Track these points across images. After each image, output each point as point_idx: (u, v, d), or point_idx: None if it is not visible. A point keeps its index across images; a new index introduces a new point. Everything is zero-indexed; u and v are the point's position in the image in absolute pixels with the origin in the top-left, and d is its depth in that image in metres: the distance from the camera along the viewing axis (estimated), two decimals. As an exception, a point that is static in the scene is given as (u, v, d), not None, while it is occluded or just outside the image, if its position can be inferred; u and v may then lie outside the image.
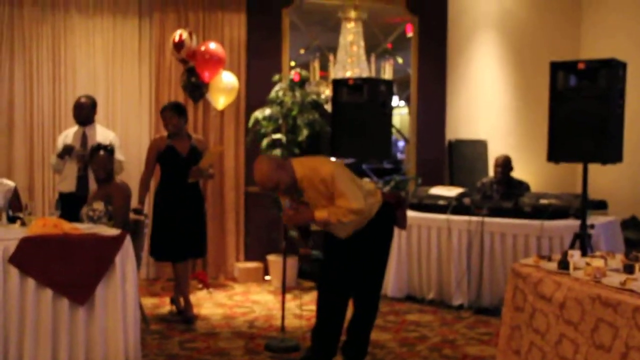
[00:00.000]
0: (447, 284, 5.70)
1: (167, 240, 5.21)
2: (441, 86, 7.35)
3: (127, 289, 4.05)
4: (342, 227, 3.79)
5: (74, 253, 4.00)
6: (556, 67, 4.56)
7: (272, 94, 6.55)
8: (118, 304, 4.01)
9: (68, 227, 4.18)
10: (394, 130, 6.33)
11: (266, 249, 6.69)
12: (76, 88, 6.57)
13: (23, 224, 4.45)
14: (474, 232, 5.52)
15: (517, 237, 5.38)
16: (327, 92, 7.05)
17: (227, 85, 6.38)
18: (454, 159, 7.35)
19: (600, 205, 5.53)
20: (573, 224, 5.04)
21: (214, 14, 6.81)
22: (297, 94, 6.53)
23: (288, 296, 5.80)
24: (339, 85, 5.51)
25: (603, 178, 6.43)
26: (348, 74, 6.91)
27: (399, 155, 10.51)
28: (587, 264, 2.84)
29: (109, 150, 4.94)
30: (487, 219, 5.49)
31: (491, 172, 6.68)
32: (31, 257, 3.90)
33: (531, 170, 7.19)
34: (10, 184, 5.15)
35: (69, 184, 5.55)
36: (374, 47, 7.44)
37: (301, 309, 5.13)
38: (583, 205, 4.70)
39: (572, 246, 4.57)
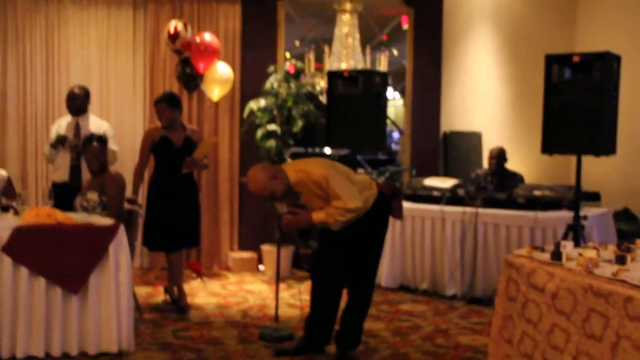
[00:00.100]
0: (440, 274, 5.73)
1: (161, 230, 5.21)
2: (436, 78, 7.34)
3: (120, 278, 4.07)
4: (338, 223, 3.80)
5: (68, 242, 4.00)
6: (551, 60, 4.57)
7: (267, 85, 6.54)
8: (111, 293, 4.03)
9: (61, 216, 4.18)
10: (388, 122, 6.33)
11: (260, 239, 6.70)
12: (70, 78, 6.55)
13: (16, 213, 4.45)
14: (467, 223, 5.54)
15: (511, 228, 5.40)
16: (322, 83, 7.04)
17: (222, 76, 6.37)
18: (449, 150, 7.37)
19: (593, 197, 5.56)
20: (566, 215, 5.07)
21: (208, 5, 6.79)
22: (292, 85, 6.53)
23: (282, 286, 5.82)
24: (334, 76, 5.51)
25: (596, 170, 6.45)
26: (343, 66, 6.90)
27: (394, 147, 10.53)
28: (580, 254, 2.85)
29: (102, 140, 4.92)
30: (481, 210, 5.51)
31: (485, 164, 6.70)
32: (24, 247, 3.91)
33: (525, 162, 7.21)
34: (3, 173, 5.15)
35: (61, 174, 5.54)
36: (369, 39, 7.43)
37: (300, 299, 5.12)
38: (576, 197, 4.73)
39: (565, 237, 4.59)
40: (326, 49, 7.13)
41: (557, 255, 2.91)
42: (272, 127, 6.47)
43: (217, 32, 6.62)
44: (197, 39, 6.21)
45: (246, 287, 6.07)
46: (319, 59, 7.26)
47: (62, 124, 5.70)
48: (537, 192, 5.46)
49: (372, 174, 6.94)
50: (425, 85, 7.32)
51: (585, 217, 4.83)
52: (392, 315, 5.17)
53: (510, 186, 5.84)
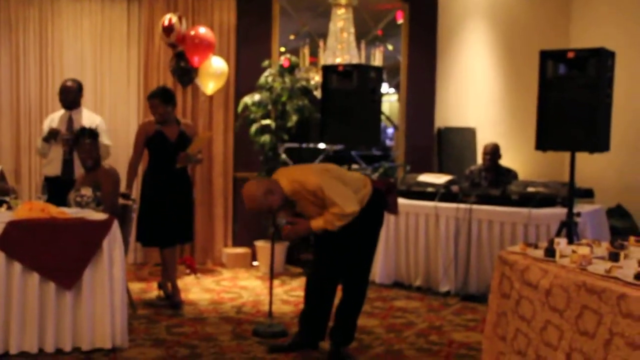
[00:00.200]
0: (434, 271, 5.73)
1: (155, 225, 5.19)
2: (431, 73, 7.35)
3: (114, 273, 4.06)
4: (337, 227, 3.80)
5: (61, 237, 3.99)
6: (546, 56, 4.57)
7: (262, 79, 6.52)
8: (105, 289, 4.02)
9: (55, 211, 4.17)
10: (383, 117, 6.33)
11: (254, 235, 6.69)
12: (63, 72, 6.52)
13: (9, 207, 4.43)
14: (461, 220, 5.55)
15: (505, 225, 5.41)
16: (316, 78, 7.03)
17: (217, 71, 6.35)
18: (443, 146, 7.37)
19: (587, 194, 5.58)
20: (560, 212, 5.08)
21: (203, -1, 6.77)
22: (287, 79, 6.51)
23: (276, 282, 5.82)
24: (328, 71, 5.50)
25: (590, 167, 6.47)
26: (338, 61, 6.89)
27: (388, 142, 10.54)
28: (573, 251, 2.85)
29: (94, 135, 4.86)
30: (475, 207, 5.51)
31: (480, 160, 6.71)
32: (18, 241, 3.89)
33: (519, 158, 7.22)
34: (-3, 167, 5.13)
35: (54, 168, 5.51)
36: (364, 34, 7.43)
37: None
38: (570, 194, 4.73)
39: (558, 234, 4.60)
40: (321, 43, 7.12)
41: (550, 252, 2.92)
42: (266, 121, 6.46)
43: (211, 26, 6.59)
44: (192, 33, 6.19)
45: (240, 283, 6.06)
46: (314, 54, 7.25)
47: (55, 118, 5.67)
48: (531, 189, 5.47)
49: (367, 170, 6.95)
50: (420, 80, 7.32)
51: (578, 214, 4.84)
52: (386, 311, 5.17)
53: (504, 182, 5.84)
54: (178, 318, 4.88)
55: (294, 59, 6.65)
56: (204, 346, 4.24)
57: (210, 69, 6.31)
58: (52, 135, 5.46)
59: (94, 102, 6.61)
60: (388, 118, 8.70)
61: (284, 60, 6.58)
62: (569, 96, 4.45)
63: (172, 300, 5.20)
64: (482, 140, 7.09)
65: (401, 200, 5.72)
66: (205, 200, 6.76)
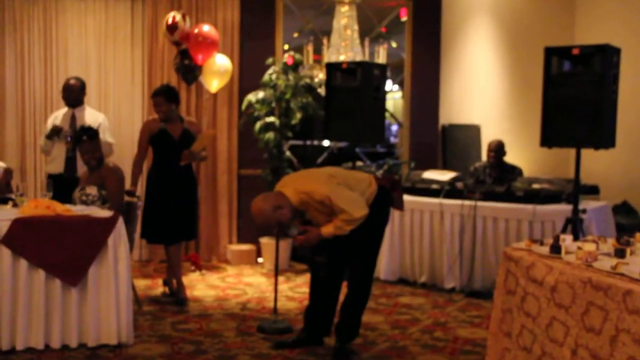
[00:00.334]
0: (439, 268, 5.73)
1: (160, 223, 5.20)
2: (435, 70, 7.33)
3: (119, 270, 4.07)
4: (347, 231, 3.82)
5: (67, 234, 4.00)
6: (550, 52, 4.55)
7: (266, 77, 6.52)
8: (111, 286, 4.03)
9: (61, 208, 4.18)
10: (387, 114, 6.32)
11: (259, 232, 6.69)
12: (68, 70, 6.53)
13: (15, 205, 4.44)
14: (466, 216, 5.54)
15: (510, 222, 5.40)
16: (320, 75, 7.03)
17: (221, 68, 6.35)
18: (447, 143, 7.36)
19: (592, 190, 5.56)
20: (565, 208, 5.07)
21: (207, -3, 6.77)
22: (291, 77, 6.51)
23: (281, 278, 5.83)
24: (332, 68, 5.50)
25: (595, 163, 6.45)
26: (342, 58, 6.88)
27: (392, 139, 10.54)
28: (579, 248, 2.85)
29: (93, 134, 4.82)
30: (480, 203, 5.50)
31: (484, 157, 6.70)
32: (23, 238, 3.90)
33: (524, 155, 7.21)
34: (1, 164, 5.14)
35: (57, 165, 5.53)
36: (368, 31, 7.42)
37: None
38: (575, 190, 4.72)
39: (564, 230, 4.59)
40: (324, 40, 7.11)
41: (556, 249, 2.91)
42: (270, 119, 6.46)
43: (215, 24, 6.59)
44: (196, 31, 6.19)
45: (245, 280, 6.07)
46: (318, 51, 7.24)
47: (58, 115, 5.69)
48: (536, 185, 5.46)
49: (371, 167, 6.94)
50: (424, 77, 7.31)
51: (584, 211, 4.83)
52: (391, 308, 5.17)
53: (509, 179, 5.83)
54: (183, 314, 4.89)
55: (297, 56, 6.64)
56: (209, 342, 4.25)
57: (214, 67, 6.32)
58: (55, 133, 5.47)
59: (98, 101, 6.63)
60: (392, 115, 8.70)
61: (287, 58, 6.58)
62: (574, 93, 4.43)
63: (177, 297, 5.21)
64: (487, 137, 7.08)
65: (406, 197, 5.71)
66: (209, 197, 6.77)
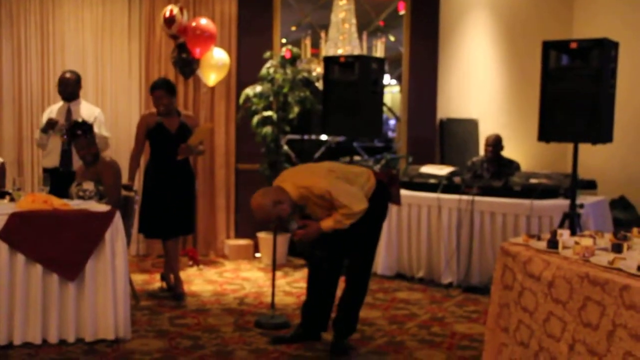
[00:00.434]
0: (436, 262, 5.73)
1: (157, 217, 5.19)
2: (433, 64, 7.32)
3: (117, 265, 4.06)
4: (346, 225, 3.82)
5: (64, 229, 4.00)
6: (548, 47, 4.54)
7: (263, 71, 6.51)
8: (108, 280, 4.03)
9: (58, 202, 4.17)
10: (385, 109, 6.31)
11: (256, 227, 6.68)
12: (65, 64, 6.51)
13: (12, 199, 4.43)
14: (464, 211, 5.54)
15: (507, 216, 5.40)
16: (318, 69, 7.02)
17: (218, 62, 6.33)
18: (445, 137, 7.35)
19: (590, 185, 5.56)
20: (562, 203, 5.07)
21: (204, -10, 6.75)
22: (288, 71, 6.50)
23: (278, 273, 5.83)
24: (330, 62, 5.48)
25: (593, 158, 6.46)
26: (339, 52, 6.87)
27: (390, 134, 10.53)
28: (576, 243, 2.85)
29: (87, 128, 4.78)
30: (477, 198, 5.50)
31: (482, 151, 6.69)
32: (20, 233, 3.90)
33: (522, 149, 7.21)
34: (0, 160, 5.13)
35: (52, 159, 5.51)
36: (365, 25, 7.40)
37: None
38: (573, 185, 4.72)
39: (561, 225, 4.60)
40: (322, 34, 7.10)
41: (553, 244, 2.91)
42: (268, 113, 6.45)
43: (213, 17, 6.57)
44: (193, 24, 6.17)
45: (242, 275, 6.07)
46: (315, 45, 7.23)
47: (54, 109, 5.67)
48: (533, 180, 5.46)
49: (369, 162, 6.93)
50: (422, 71, 7.29)
51: (581, 206, 4.84)
52: (388, 303, 5.18)
53: (506, 174, 5.83)
54: (181, 309, 4.89)
55: (295, 50, 6.63)
56: (206, 337, 4.25)
57: (211, 61, 6.30)
58: (50, 126, 5.44)
59: (95, 94, 6.61)
60: (390, 109, 8.68)
61: (285, 52, 6.56)
62: (571, 87, 4.42)
63: (174, 292, 5.21)
64: (485, 132, 7.07)
65: (403, 192, 5.72)
66: (207, 191, 6.76)
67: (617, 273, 2.46)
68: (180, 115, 5.27)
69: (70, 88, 5.60)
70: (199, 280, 5.78)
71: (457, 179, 5.75)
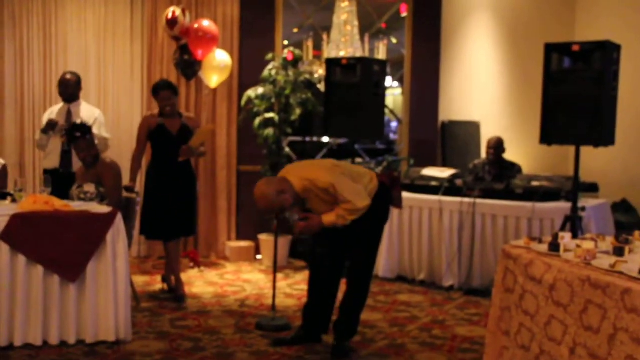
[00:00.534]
0: (437, 265, 5.72)
1: (158, 218, 5.19)
2: (435, 67, 7.31)
3: (118, 266, 4.06)
4: (348, 221, 3.81)
5: (65, 230, 4.00)
6: (550, 49, 4.54)
7: (265, 72, 6.51)
8: (109, 282, 4.02)
9: (59, 204, 4.17)
10: (387, 111, 6.31)
11: (258, 228, 6.69)
12: (67, 65, 6.51)
13: (14, 200, 4.43)
14: (465, 214, 5.54)
15: (509, 219, 5.39)
16: (320, 71, 7.02)
17: (220, 64, 6.34)
18: (447, 140, 7.35)
19: (592, 188, 5.55)
20: (564, 206, 5.06)
21: (207, -8, 6.75)
22: (290, 73, 6.50)
23: (279, 275, 5.83)
24: (332, 64, 5.49)
25: (595, 161, 6.44)
26: (341, 54, 6.88)
27: (392, 136, 10.53)
28: (578, 246, 2.84)
29: (86, 130, 4.77)
30: (479, 201, 5.50)
31: (484, 154, 6.69)
32: (22, 234, 3.90)
33: (523, 152, 7.20)
34: (1, 161, 5.13)
35: (52, 160, 5.51)
36: (368, 27, 7.41)
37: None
38: (574, 188, 4.72)
39: (562, 228, 4.59)
40: (324, 36, 7.10)
41: (554, 247, 2.91)
42: (270, 115, 6.45)
43: (215, 19, 6.58)
44: (196, 26, 6.18)
45: (243, 277, 6.07)
46: (318, 47, 7.24)
47: (54, 111, 5.68)
48: (535, 183, 5.45)
49: (370, 164, 6.93)
50: (424, 74, 7.29)
51: (583, 209, 4.83)
52: (389, 305, 5.17)
53: (508, 176, 5.83)
54: (181, 311, 4.89)
55: (297, 52, 6.63)
56: (207, 339, 4.25)
57: (214, 62, 6.31)
58: (51, 127, 5.45)
59: (97, 96, 6.62)
60: (392, 111, 8.69)
61: (287, 54, 6.56)
62: (573, 90, 4.42)
63: (175, 294, 5.21)
64: (486, 134, 7.06)
65: (405, 194, 5.72)
66: (208, 193, 6.76)
67: (618, 276, 2.46)
68: (182, 117, 5.27)
69: (70, 89, 5.60)
70: (200, 282, 5.78)
71: (458, 182, 5.74)
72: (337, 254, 4.07)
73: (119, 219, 4.11)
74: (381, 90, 5.47)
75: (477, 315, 4.93)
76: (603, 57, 4.34)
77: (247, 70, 6.80)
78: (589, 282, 2.52)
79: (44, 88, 6.60)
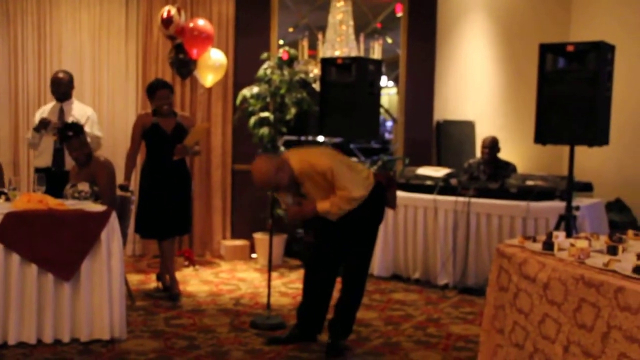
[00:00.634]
0: (432, 264, 5.73)
1: (153, 217, 5.19)
2: (430, 67, 7.32)
3: (112, 265, 4.06)
4: (341, 211, 3.81)
5: (60, 229, 3.99)
6: (545, 49, 4.55)
7: (261, 72, 6.51)
8: (104, 280, 4.02)
9: (53, 202, 4.16)
10: (382, 110, 6.31)
11: (253, 227, 6.69)
12: (62, 64, 6.49)
13: (7, 199, 4.42)
14: (460, 213, 5.55)
15: (503, 218, 5.41)
16: (315, 71, 7.02)
17: (216, 63, 6.34)
18: (442, 139, 7.36)
19: (586, 188, 5.57)
20: (558, 205, 5.08)
21: (202, -9, 6.75)
22: (286, 72, 6.49)
23: (274, 274, 5.83)
24: (327, 64, 5.48)
25: (589, 160, 6.46)
26: (337, 53, 6.88)
27: (387, 135, 10.54)
28: (572, 245, 2.85)
29: (78, 130, 4.77)
30: (474, 200, 5.51)
31: (478, 153, 6.70)
32: (16, 233, 3.89)
33: (518, 151, 7.21)
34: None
35: (44, 159, 5.49)
36: (363, 27, 7.41)
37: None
38: (569, 187, 4.73)
39: (557, 227, 4.60)
40: (320, 36, 7.10)
41: (548, 246, 2.91)
42: (265, 114, 6.44)
43: (210, 18, 6.57)
44: (191, 25, 6.17)
45: (238, 275, 6.07)
46: (313, 46, 7.24)
47: (46, 109, 5.66)
48: (529, 182, 5.47)
49: (365, 163, 6.94)
50: (419, 73, 7.30)
51: (577, 208, 4.84)
52: (384, 304, 5.18)
53: (502, 176, 5.84)
54: (176, 310, 4.89)
55: (292, 51, 6.63)
56: (202, 338, 4.25)
57: (209, 61, 6.30)
58: (43, 125, 5.42)
59: (92, 95, 6.61)
60: (387, 111, 8.69)
61: (282, 53, 6.56)
62: (568, 90, 4.43)
63: (170, 292, 5.20)
64: (481, 134, 7.08)
65: (400, 193, 5.72)
66: (203, 192, 6.76)
67: (612, 275, 2.46)
68: (177, 115, 5.27)
69: (63, 88, 5.59)
70: (194, 281, 5.78)
71: (453, 181, 5.76)
72: (333, 254, 4.08)
73: (114, 218, 4.11)
74: (376, 90, 5.47)
75: (472, 313, 4.95)
76: (597, 57, 4.35)
77: (242, 69, 6.80)
78: (582, 281, 2.53)
79: (38, 87, 6.58)
